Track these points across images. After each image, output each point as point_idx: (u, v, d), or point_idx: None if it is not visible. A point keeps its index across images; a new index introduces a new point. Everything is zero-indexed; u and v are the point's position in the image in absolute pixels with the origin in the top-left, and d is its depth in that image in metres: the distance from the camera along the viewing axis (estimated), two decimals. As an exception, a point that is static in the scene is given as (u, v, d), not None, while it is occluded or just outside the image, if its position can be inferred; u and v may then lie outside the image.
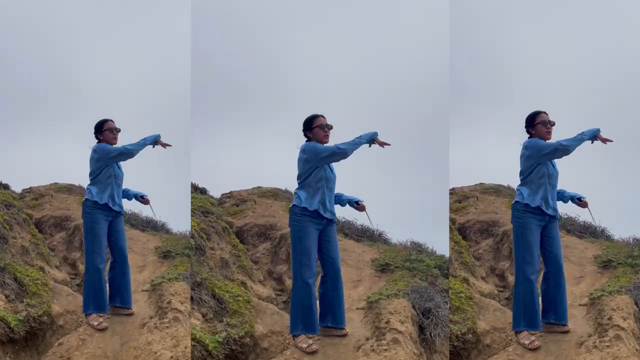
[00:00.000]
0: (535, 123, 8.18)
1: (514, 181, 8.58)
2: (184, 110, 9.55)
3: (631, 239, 10.05)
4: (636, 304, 8.52)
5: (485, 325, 8.73)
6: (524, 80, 10.90)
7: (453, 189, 10.70)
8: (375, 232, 10.77)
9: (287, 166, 9.14)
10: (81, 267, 9.77)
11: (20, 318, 8.65)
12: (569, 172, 8.44)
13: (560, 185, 8.34)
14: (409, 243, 10.35)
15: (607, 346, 7.90)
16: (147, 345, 8.33)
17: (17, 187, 11.45)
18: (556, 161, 8.21)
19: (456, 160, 9.55)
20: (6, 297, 8.95)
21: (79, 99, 11.36)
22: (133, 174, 9.21)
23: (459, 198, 10.66)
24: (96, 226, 8.72)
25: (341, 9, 11.95)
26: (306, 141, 8.24)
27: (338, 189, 8.41)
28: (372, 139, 8.10)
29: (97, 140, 8.93)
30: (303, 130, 8.28)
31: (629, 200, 10.30)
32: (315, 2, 12.17)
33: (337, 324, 8.21)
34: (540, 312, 8.16)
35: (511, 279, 9.31)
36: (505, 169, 10.17)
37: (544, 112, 8.25)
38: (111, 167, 8.79)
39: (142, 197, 9.19)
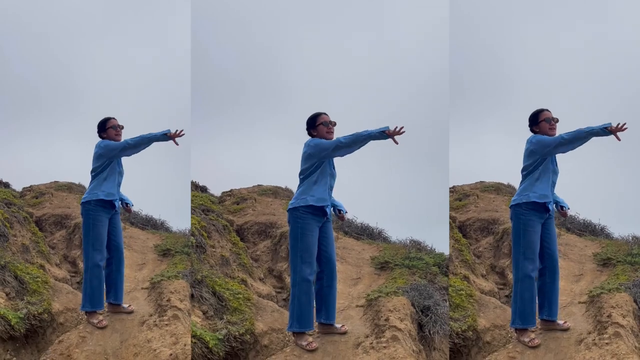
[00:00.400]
0: (539, 120, 8.24)
1: (514, 179, 8.83)
2: (184, 109, 9.53)
3: (630, 237, 10.20)
4: (635, 301, 8.59)
5: (485, 322, 8.82)
6: (524, 80, 11.04)
7: (453, 187, 10.85)
8: (375, 230, 10.91)
9: (287, 165, 9.34)
10: (81, 265, 9.85)
11: (21, 316, 8.71)
12: (569, 172, 8.52)
13: (561, 183, 8.39)
14: (408, 241, 10.46)
15: (607, 343, 7.94)
16: (147, 342, 8.40)
17: (17, 186, 11.63)
18: (558, 160, 8.29)
19: (457, 158, 9.63)
20: (7, 294, 9.01)
21: (79, 98, 11.52)
22: (133, 173, 9.24)
23: (460, 196, 10.80)
24: (99, 224, 8.78)
25: (341, 9, 12.04)
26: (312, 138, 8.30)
27: (339, 187, 8.46)
28: (382, 136, 7.87)
29: (100, 138, 8.98)
30: (307, 129, 8.33)
31: (628, 199, 10.45)
32: (315, 2, 12.27)
33: (330, 320, 8.28)
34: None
35: (511, 276, 9.39)
36: (505, 167, 10.36)
37: (547, 110, 8.30)
38: (114, 164, 8.85)
39: (126, 204, 9.16)
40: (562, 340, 8.14)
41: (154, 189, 10.30)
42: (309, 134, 8.31)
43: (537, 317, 8.29)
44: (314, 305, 8.22)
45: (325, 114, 8.32)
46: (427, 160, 11.09)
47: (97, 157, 8.82)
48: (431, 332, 8.71)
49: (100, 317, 8.74)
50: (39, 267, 9.79)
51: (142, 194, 9.63)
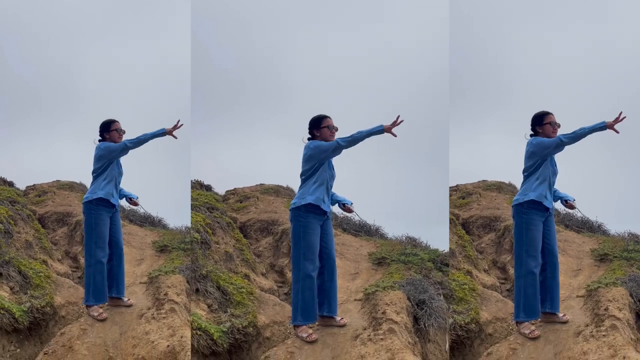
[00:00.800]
0: (544, 122, 8.53)
1: (515, 178, 9.19)
2: (184, 110, 9.69)
3: (626, 234, 10.53)
4: (631, 295, 8.92)
5: (487, 315, 9.16)
6: (524, 80, 11.29)
7: (457, 186, 11.16)
8: (372, 228, 11.19)
9: (288, 164, 9.56)
10: (82, 261, 10.16)
11: (24, 309, 9.03)
12: (568, 170, 8.83)
13: (560, 182, 8.74)
14: (404, 238, 10.79)
15: (604, 335, 8.26)
16: (145, 334, 8.74)
17: (21, 185, 11.95)
18: (556, 160, 8.62)
19: (457, 158, 9.87)
20: (11, 289, 9.34)
21: (79, 99, 11.76)
22: (133, 172, 9.53)
23: (463, 195, 11.13)
24: (100, 222, 9.12)
25: (341, 9, 12.28)
26: (309, 139, 8.65)
27: (338, 186, 8.81)
28: (379, 131, 8.24)
29: (102, 139, 9.27)
30: (310, 129, 8.65)
31: (624, 197, 10.74)
32: (315, 2, 12.50)
33: (332, 312, 8.64)
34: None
35: (512, 271, 9.74)
36: (506, 166, 10.57)
37: (552, 114, 8.60)
38: (114, 165, 9.16)
39: (130, 198, 9.52)
40: (561, 332, 8.47)
41: (153, 187, 10.48)
42: (311, 134, 8.64)
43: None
44: (317, 300, 8.58)
45: (329, 117, 8.64)
46: (426, 160, 11.41)
47: (98, 158, 9.15)
48: (426, 324, 9.04)
49: (101, 310, 9.06)
50: (42, 262, 10.11)
51: (141, 193, 9.80)
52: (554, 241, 8.62)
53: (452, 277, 9.54)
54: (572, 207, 8.83)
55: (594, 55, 11.37)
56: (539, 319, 8.61)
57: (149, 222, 11.21)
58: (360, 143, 8.32)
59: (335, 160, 8.60)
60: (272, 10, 12.39)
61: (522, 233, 8.49)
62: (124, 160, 9.32)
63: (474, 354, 8.91)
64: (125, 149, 9.02)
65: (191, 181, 11.34)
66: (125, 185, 9.45)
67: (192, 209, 10.40)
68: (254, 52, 12.42)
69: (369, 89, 12.17)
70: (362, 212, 10.86)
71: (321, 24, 12.37)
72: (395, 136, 8.23)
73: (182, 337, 8.61)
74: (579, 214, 11.04)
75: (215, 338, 8.63)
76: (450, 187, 11.04)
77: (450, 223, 10.24)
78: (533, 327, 8.50)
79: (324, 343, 8.43)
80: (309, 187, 8.47)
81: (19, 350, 8.89)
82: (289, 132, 11.23)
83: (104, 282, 9.12)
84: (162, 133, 8.90)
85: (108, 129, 9.21)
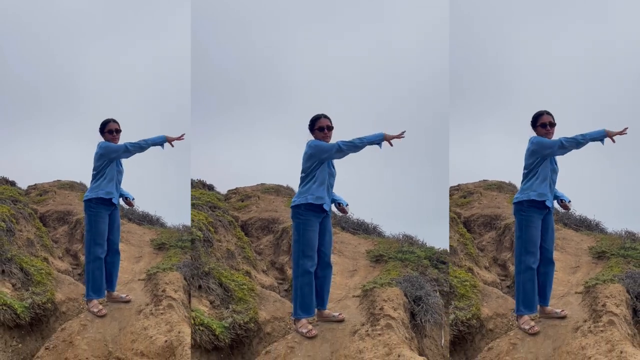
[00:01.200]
0: (537, 125, 8.84)
1: (515, 178, 9.41)
2: (184, 109, 9.92)
3: (623, 232, 10.85)
4: (628, 292, 9.20)
5: (488, 311, 9.46)
6: (524, 80, 11.42)
7: (458, 185, 11.41)
8: (370, 226, 11.45)
9: (288, 164, 9.75)
10: (82, 258, 10.49)
11: (26, 305, 9.33)
12: (567, 170, 9.05)
13: (559, 182, 8.99)
14: (401, 236, 11.07)
15: (601, 331, 8.54)
16: (144, 330, 9.06)
17: (23, 184, 12.24)
18: (556, 159, 8.88)
19: (460, 158, 10.14)
20: (13, 285, 9.64)
21: (79, 99, 11.91)
22: (133, 172, 9.77)
23: (464, 194, 11.41)
24: (100, 220, 9.42)
25: (341, 9, 12.39)
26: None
27: (338, 184, 9.06)
28: (379, 140, 8.56)
29: (102, 139, 9.53)
30: (309, 129, 8.92)
31: (621, 197, 10.96)
32: (315, 2, 12.61)
33: (323, 306, 8.95)
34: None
35: (512, 268, 10.08)
36: (506, 166, 10.73)
37: (547, 114, 8.86)
38: (114, 163, 9.43)
39: (126, 198, 9.74)
40: (560, 327, 8.77)
41: (152, 186, 10.74)
42: (311, 133, 8.92)
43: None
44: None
45: (324, 117, 8.91)
46: (425, 160, 11.53)
47: (99, 157, 9.45)
48: (422, 320, 9.35)
49: (100, 307, 9.36)
50: (43, 259, 10.42)
51: (139, 192, 10.01)
52: (551, 239, 8.93)
53: (454, 274, 9.78)
54: (566, 207, 9.07)
55: (594, 55, 11.51)
56: (538, 315, 8.89)
57: (147, 220, 11.55)
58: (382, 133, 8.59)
59: (335, 161, 8.87)
60: (272, 10, 12.47)
61: (522, 230, 8.80)
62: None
63: (475, 348, 9.20)
64: (126, 151, 9.32)
65: (194, 181, 11.66)
66: (125, 184, 9.72)
67: (194, 208, 10.68)
68: (254, 52, 12.50)
69: (369, 89, 12.29)
70: (361, 211, 11.12)
71: (321, 24, 12.47)
72: (392, 145, 8.44)
73: (179, 332, 8.90)
74: (576, 213, 11.27)
75: (217, 333, 8.92)
76: (452, 187, 11.30)
77: (452, 221, 10.51)
78: (533, 323, 8.80)
79: (324, 338, 8.72)
80: (309, 185, 8.74)
81: (20, 345, 9.19)
82: (289, 132, 11.44)
83: (102, 278, 9.45)
84: (163, 141, 9.16)
85: (102, 130, 9.51)
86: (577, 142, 8.49)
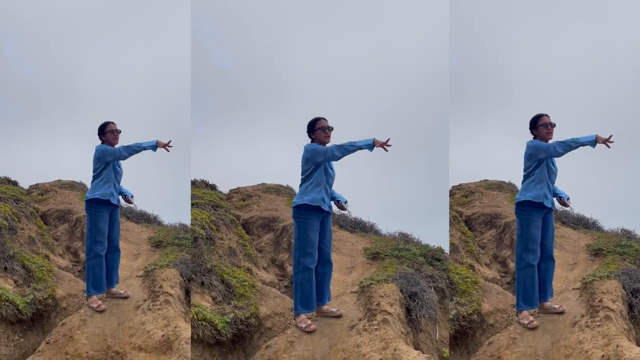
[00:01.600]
0: (538, 125, 9.09)
1: (515, 178, 9.69)
2: (184, 109, 10.10)
3: (619, 230, 11.07)
4: (624, 287, 9.46)
5: (489, 306, 9.73)
6: (524, 80, 11.63)
7: (460, 185, 11.65)
8: (367, 224, 11.69)
9: (288, 164, 9.92)
10: (82, 256, 10.78)
11: (28, 301, 9.61)
12: (565, 170, 9.27)
13: (557, 180, 9.26)
14: (397, 234, 11.31)
15: (598, 325, 8.80)
16: (141, 325, 9.33)
17: (24, 184, 12.51)
18: (556, 160, 9.17)
19: (461, 158, 10.35)
20: (15, 282, 9.92)
21: (79, 99, 12.12)
22: (133, 170, 9.98)
23: (466, 193, 11.69)
24: (99, 219, 9.69)
25: (341, 10, 12.60)
26: (311, 141, 9.13)
27: (340, 182, 9.34)
28: (370, 145, 8.72)
29: (100, 141, 9.76)
30: (307, 132, 9.17)
31: (618, 196, 11.18)
32: (315, 2, 12.81)
33: (323, 302, 9.21)
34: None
35: (512, 265, 10.38)
36: (506, 166, 10.90)
37: (546, 115, 9.13)
38: (112, 165, 9.69)
39: (125, 195, 10.00)
40: (558, 322, 9.04)
41: (149, 186, 10.89)
42: (309, 136, 9.17)
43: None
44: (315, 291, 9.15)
45: (324, 119, 9.15)
46: (423, 160, 11.79)
47: (96, 160, 9.73)
48: (418, 315, 9.59)
49: (100, 302, 9.64)
50: (44, 257, 10.68)
51: (137, 191, 10.19)
52: (550, 237, 9.22)
53: (455, 270, 10.06)
54: (565, 204, 9.34)
55: (594, 55, 11.69)
56: (537, 310, 9.16)
57: (145, 219, 11.86)
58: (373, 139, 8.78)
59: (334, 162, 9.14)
60: (272, 10, 12.64)
61: (522, 229, 9.10)
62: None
63: (476, 343, 9.49)
64: (118, 157, 9.59)
65: (197, 181, 11.95)
66: (124, 183, 9.96)
67: (197, 207, 10.94)
68: (254, 52, 12.68)
69: (369, 89, 12.49)
70: (358, 210, 11.32)
71: (321, 24, 12.66)
72: (387, 151, 8.66)
73: (176, 327, 9.19)
74: (574, 212, 11.49)
75: (219, 328, 9.23)
76: (453, 186, 11.59)
77: (453, 220, 10.79)
78: (532, 318, 9.09)
79: (322, 333, 8.99)
80: (307, 187, 9.02)
81: (22, 339, 9.50)
82: (289, 132, 11.58)
83: (102, 274, 9.72)
84: (154, 146, 9.39)
85: (103, 131, 9.74)
86: (569, 147, 8.76)
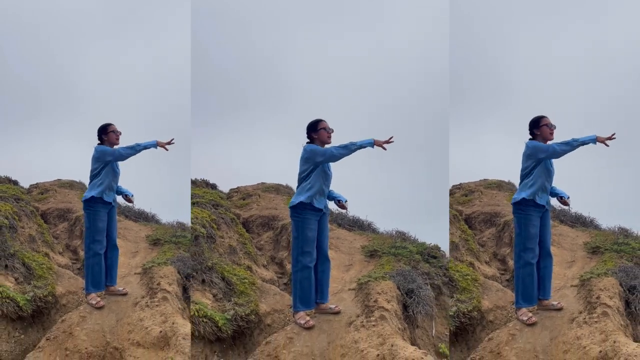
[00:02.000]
0: (541, 125, 9.26)
1: (514, 177, 9.77)
2: (184, 109, 10.20)
3: (617, 228, 11.25)
4: (621, 284, 9.65)
5: (488, 303, 9.91)
6: (523, 80, 11.76)
7: (460, 184, 11.82)
8: (365, 223, 11.89)
9: (287, 164, 10.00)
10: (81, 254, 10.96)
11: (28, 298, 9.79)
12: (563, 170, 9.43)
13: (555, 181, 9.43)
14: (394, 232, 11.52)
15: (596, 322, 8.98)
16: (139, 321, 9.51)
17: (25, 183, 12.71)
18: (553, 160, 9.33)
19: (461, 158, 10.47)
20: (15, 279, 10.10)
21: (79, 99, 12.26)
22: (132, 169, 10.14)
23: (466, 192, 11.86)
24: (98, 218, 9.88)
25: (341, 10, 12.74)
26: (308, 142, 9.32)
27: (338, 182, 9.50)
28: (371, 144, 8.95)
29: (99, 141, 9.93)
30: (307, 132, 9.33)
31: (615, 195, 11.36)
32: (315, 2, 12.94)
33: (324, 299, 9.42)
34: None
35: (511, 263, 10.54)
36: (505, 166, 11.03)
37: (546, 117, 9.30)
38: (110, 166, 9.87)
39: (126, 195, 10.20)
40: (556, 319, 9.22)
41: (149, 185, 11.04)
42: (309, 137, 9.34)
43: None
44: (314, 288, 9.33)
45: (324, 121, 9.31)
46: (422, 160, 11.94)
47: (95, 160, 9.91)
48: (414, 312, 9.78)
49: (98, 299, 9.83)
50: (44, 255, 10.88)
51: (135, 190, 10.35)
52: (548, 235, 9.40)
53: (456, 268, 10.23)
54: (566, 203, 9.53)
55: (593, 55, 11.81)
56: (536, 306, 9.32)
57: (143, 217, 12.05)
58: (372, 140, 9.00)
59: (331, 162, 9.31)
60: (272, 10, 12.76)
61: (521, 228, 9.28)
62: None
63: (476, 339, 9.65)
64: (118, 158, 9.78)
65: (198, 180, 12.13)
66: (122, 182, 10.16)
67: (198, 206, 11.13)
68: (254, 52, 12.81)
69: (369, 89, 12.62)
70: (356, 209, 11.46)
71: (321, 24, 12.78)
72: (385, 149, 8.84)
73: (173, 323, 9.36)
74: (572, 210, 11.65)
75: (220, 325, 9.41)
76: (454, 186, 11.77)
77: (454, 218, 10.97)
78: (530, 314, 9.26)
79: (321, 329, 9.18)
80: (305, 187, 9.21)
81: (23, 336, 9.69)
82: (289, 132, 11.64)
83: (101, 272, 9.92)
84: (154, 145, 9.60)
85: (105, 131, 9.91)
86: (570, 146, 8.95)
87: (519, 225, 9.26)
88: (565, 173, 9.50)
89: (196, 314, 9.32)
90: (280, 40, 12.95)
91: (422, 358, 8.46)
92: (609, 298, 9.30)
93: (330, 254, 9.49)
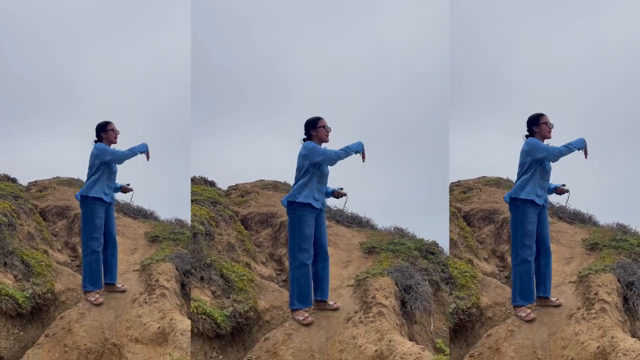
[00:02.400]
0: (540, 122, 9.39)
1: (513, 175, 9.70)
2: (184, 109, 10.30)
3: (615, 225, 11.35)
4: (619, 281, 9.74)
5: (487, 300, 9.99)
6: (523, 80, 11.77)
7: (459, 181, 11.90)
8: (363, 220, 11.97)
9: (286, 162, 10.02)
10: (80, 251, 10.86)
11: (27, 295, 9.93)
12: (561, 167, 9.51)
13: (553, 178, 9.56)
14: (392, 229, 11.57)
15: (594, 317, 9.07)
16: (138, 317, 9.63)
17: (23, 181, 12.78)
18: (550, 158, 9.49)
19: (460, 156, 10.50)
20: (14, 277, 10.23)
21: (79, 98, 12.31)
22: (131, 166, 10.23)
23: (464, 189, 11.93)
24: (95, 216, 10.02)
25: (341, 9, 12.78)
26: (304, 139, 9.45)
27: (337, 179, 9.68)
28: (360, 150, 9.24)
29: (97, 139, 10.10)
30: (306, 129, 9.46)
31: (613, 192, 11.41)
32: (315, 2, 13.00)
33: (324, 297, 9.52)
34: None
35: (510, 260, 10.46)
36: (504, 164, 11.01)
37: (545, 115, 9.43)
38: (108, 164, 10.02)
39: (122, 186, 10.37)
40: (555, 315, 9.31)
41: (148, 183, 11.01)
42: (307, 134, 9.47)
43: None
44: (311, 286, 9.41)
45: (323, 118, 9.46)
46: (422, 158, 11.98)
47: (94, 157, 10.07)
48: (412, 307, 9.92)
49: (97, 296, 9.94)
50: (43, 252, 11.01)
51: (135, 188, 10.55)
52: (546, 231, 9.50)
53: (455, 265, 10.29)
54: (563, 191, 9.60)
55: (593, 55, 11.86)
56: (534, 303, 9.41)
57: (141, 214, 12.13)
58: (362, 143, 9.24)
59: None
60: (272, 10, 12.80)
61: (518, 225, 9.37)
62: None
63: (475, 335, 9.73)
64: (114, 159, 9.98)
65: (197, 177, 12.20)
66: (124, 179, 10.41)
67: (197, 203, 11.21)
68: (254, 52, 12.85)
69: (369, 89, 12.63)
70: (355, 206, 11.52)
71: (321, 24, 12.83)
72: (364, 161, 9.16)
73: (171, 319, 9.49)
74: (570, 207, 11.73)
75: (219, 322, 9.54)
76: (452, 183, 11.82)
77: (452, 215, 11.01)
78: (529, 311, 9.34)
79: (319, 325, 9.29)
80: (302, 184, 9.35)
81: (22, 333, 9.84)
82: (288, 132, 11.61)
83: (99, 270, 10.04)
84: (145, 148, 9.86)
85: (104, 129, 10.06)
86: (568, 151, 9.17)
87: (516, 223, 9.35)
88: (563, 169, 9.56)
89: (195, 310, 9.41)
90: (280, 40, 13.02)
91: (420, 353, 8.56)
92: (607, 294, 9.38)
93: (329, 250, 9.57)
